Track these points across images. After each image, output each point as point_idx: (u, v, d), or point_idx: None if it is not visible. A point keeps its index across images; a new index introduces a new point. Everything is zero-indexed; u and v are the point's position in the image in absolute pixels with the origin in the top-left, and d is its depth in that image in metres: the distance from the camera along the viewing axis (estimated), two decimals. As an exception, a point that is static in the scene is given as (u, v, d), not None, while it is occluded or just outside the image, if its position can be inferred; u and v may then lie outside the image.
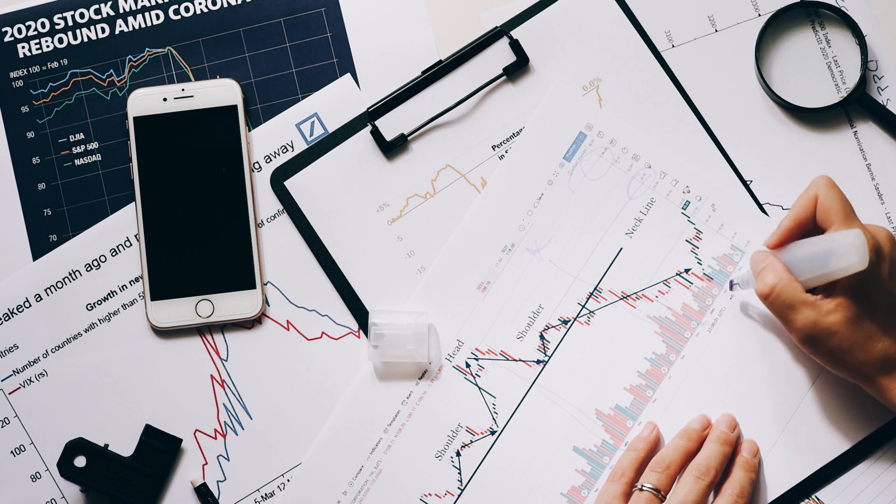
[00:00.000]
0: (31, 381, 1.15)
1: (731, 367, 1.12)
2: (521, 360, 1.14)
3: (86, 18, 1.18)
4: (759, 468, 1.11)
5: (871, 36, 1.16)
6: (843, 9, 1.16)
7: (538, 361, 1.14)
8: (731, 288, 1.12)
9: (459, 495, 1.13)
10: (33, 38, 1.18)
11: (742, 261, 1.14)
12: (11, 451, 1.14)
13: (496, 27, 1.17)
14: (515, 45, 1.16)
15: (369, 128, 1.16)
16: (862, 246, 1.00)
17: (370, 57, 1.18)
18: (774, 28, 1.16)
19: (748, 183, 1.15)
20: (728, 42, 1.17)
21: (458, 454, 1.13)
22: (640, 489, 1.06)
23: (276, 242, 1.16)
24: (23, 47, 1.18)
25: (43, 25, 1.18)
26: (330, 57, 1.18)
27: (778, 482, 1.11)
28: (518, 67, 1.16)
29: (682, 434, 1.10)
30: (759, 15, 1.17)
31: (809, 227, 1.06)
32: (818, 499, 1.12)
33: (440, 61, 1.16)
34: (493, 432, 1.13)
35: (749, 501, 1.07)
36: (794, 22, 1.17)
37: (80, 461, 1.11)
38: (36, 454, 1.14)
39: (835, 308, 1.03)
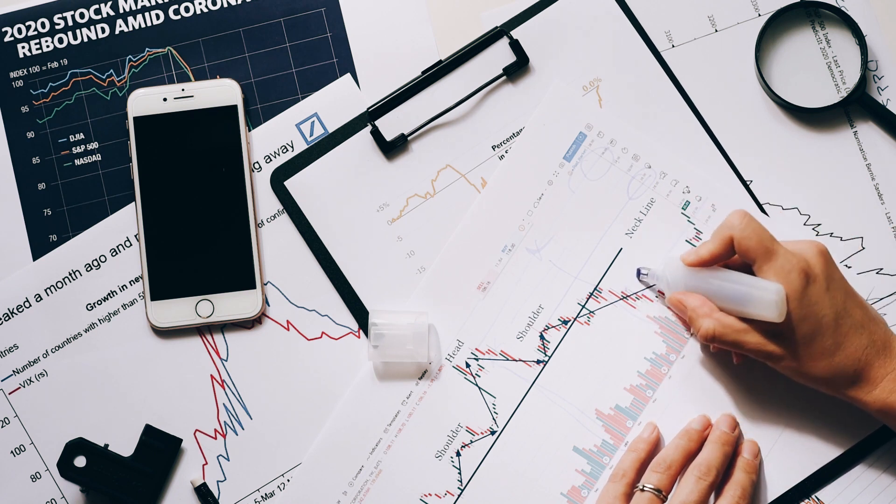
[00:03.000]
0: (31, 381, 1.15)
1: (731, 367, 1.12)
2: (521, 360, 1.14)
3: (86, 18, 1.18)
4: (759, 469, 1.11)
5: (871, 36, 1.16)
6: (843, 9, 1.16)
7: (538, 361, 1.14)
8: (637, 276, 1.13)
9: (459, 495, 1.13)
10: (33, 38, 1.18)
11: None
12: (11, 451, 1.14)
13: (496, 27, 1.17)
14: (515, 45, 1.16)
15: (369, 128, 1.16)
16: (780, 302, 1.02)
17: (370, 57, 1.18)
18: (774, 28, 1.16)
19: (748, 183, 1.15)
20: (728, 42, 1.17)
21: (458, 454, 1.13)
22: (642, 489, 1.06)
23: (276, 242, 1.16)
24: (23, 47, 1.18)
25: (43, 25, 1.18)
26: (330, 57, 1.18)
27: (778, 482, 1.12)
28: (518, 67, 1.16)
29: (683, 434, 1.10)
30: (759, 15, 1.17)
31: (728, 259, 1.08)
32: (818, 499, 1.12)
33: (440, 61, 1.16)
34: (493, 432, 1.13)
35: (750, 502, 1.07)
36: (794, 22, 1.17)
37: (80, 461, 1.11)
38: (36, 454, 1.14)
39: (777, 334, 1.04)
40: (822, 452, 1.12)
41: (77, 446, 1.11)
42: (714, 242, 1.07)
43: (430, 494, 1.13)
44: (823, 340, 1.04)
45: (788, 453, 1.12)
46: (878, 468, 1.12)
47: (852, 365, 1.04)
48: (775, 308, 1.02)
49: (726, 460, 1.08)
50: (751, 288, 1.04)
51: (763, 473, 1.11)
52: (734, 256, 1.08)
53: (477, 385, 1.14)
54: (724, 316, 1.06)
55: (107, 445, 1.13)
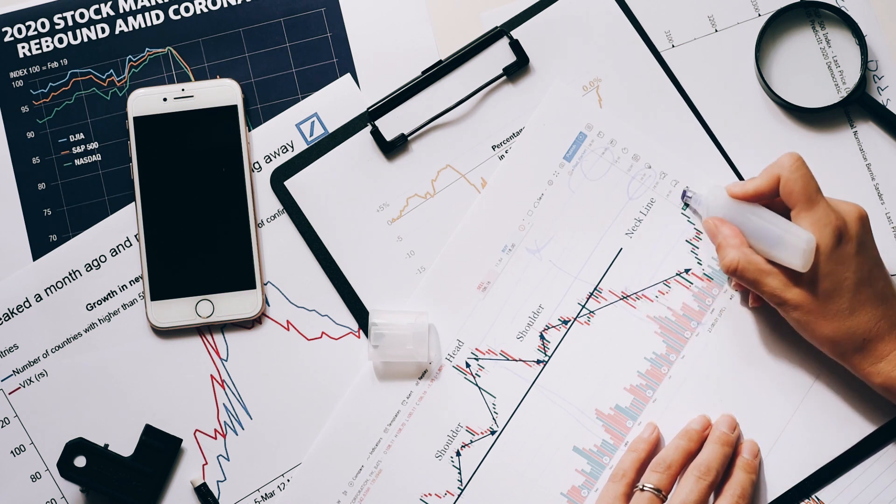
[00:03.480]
0: (31, 381, 1.15)
1: (731, 367, 1.12)
2: (521, 360, 1.14)
3: (86, 18, 1.18)
4: (759, 469, 1.11)
5: (871, 36, 1.16)
6: (843, 9, 1.16)
7: (538, 361, 1.14)
8: (683, 197, 1.13)
9: (459, 495, 1.13)
10: (33, 38, 1.18)
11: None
12: (11, 451, 1.14)
13: (496, 27, 1.17)
14: (515, 45, 1.16)
15: (369, 128, 1.16)
16: (808, 252, 1.02)
17: (370, 57, 1.18)
18: (774, 28, 1.16)
19: (748, 183, 1.15)
20: (728, 42, 1.17)
21: (458, 454, 1.13)
22: (642, 489, 1.06)
23: (276, 242, 1.16)
24: (23, 47, 1.18)
25: (43, 25, 1.18)
26: (330, 57, 1.18)
27: (778, 482, 1.11)
28: (518, 67, 1.16)
29: (683, 434, 1.10)
30: (759, 15, 1.17)
31: (771, 199, 1.08)
32: (818, 499, 1.12)
33: (440, 61, 1.16)
34: (493, 432, 1.13)
35: (750, 502, 1.07)
36: (794, 22, 1.17)
37: (80, 461, 1.11)
38: (36, 454, 1.14)
39: (797, 284, 1.04)
40: (822, 452, 1.12)
41: (77, 446, 1.11)
42: (761, 178, 1.07)
43: (430, 494, 1.13)
44: (840, 301, 1.04)
45: (788, 453, 1.12)
46: (878, 468, 1.12)
47: (862, 333, 1.04)
48: (802, 256, 1.02)
49: (726, 460, 1.08)
50: (784, 232, 1.04)
51: (763, 473, 1.11)
52: (777, 198, 1.07)
53: (477, 385, 1.14)
54: (752, 252, 1.06)
55: (107, 445, 1.13)
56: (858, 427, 1.12)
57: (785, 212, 1.07)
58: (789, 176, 1.05)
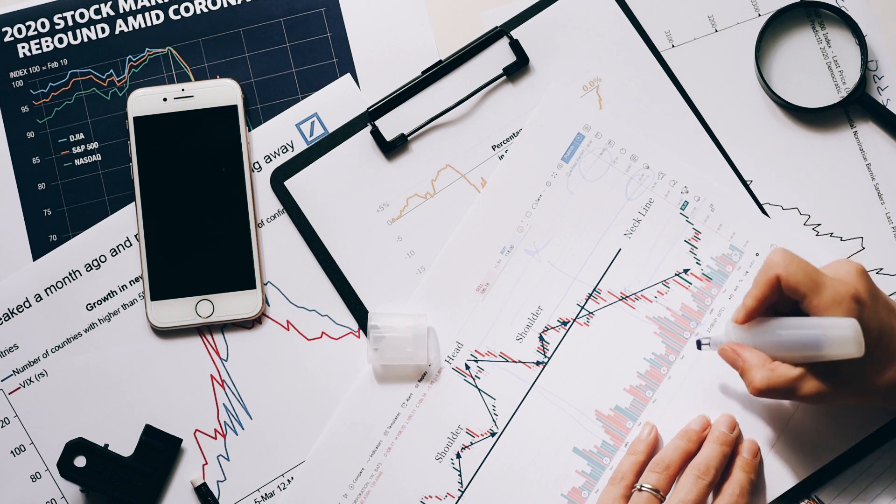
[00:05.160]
0: (31, 381, 1.15)
1: (730, 368, 1.12)
2: (520, 362, 1.14)
3: (86, 18, 1.18)
4: (759, 468, 1.11)
5: (871, 36, 1.16)
6: (843, 9, 1.16)
7: (538, 363, 1.14)
8: (698, 347, 1.09)
9: (460, 497, 1.13)
10: (33, 38, 1.18)
11: (740, 261, 1.13)
12: (11, 451, 1.14)
13: (496, 27, 1.17)
14: (515, 45, 1.16)
15: (369, 128, 1.16)
16: (858, 335, 0.99)
17: (370, 57, 1.18)
18: (774, 28, 1.16)
19: (748, 183, 1.15)
20: (728, 42, 1.17)
21: (459, 456, 1.13)
22: (639, 489, 1.07)
23: (276, 242, 1.16)
24: (23, 47, 1.18)
25: (43, 25, 1.18)
26: (330, 57, 1.18)
27: (778, 482, 1.11)
28: (518, 67, 1.16)
29: (682, 435, 1.10)
30: (759, 15, 1.17)
31: (773, 300, 1.04)
32: (818, 499, 1.12)
33: (440, 61, 1.16)
34: (493, 434, 1.13)
35: (749, 501, 1.08)
36: (794, 22, 1.17)
37: (80, 461, 1.11)
38: (36, 454, 1.14)
39: (831, 371, 1.02)
40: (823, 452, 1.12)
41: (77, 446, 1.11)
42: (758, 287, 1.03)
43: (430, 496, 1.13)
44: (871, 359, 1.01)
45: (788, 453, 1.12)
46: (877, 468, 1.12)
47: None
48: (855, 344, 0.99)
49: (725, 460, 1.08)
50: (823, 330, 1.00)
51: (763, 473, 1.11)
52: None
53: (476, 387, 1.14)
54: (778, 364, 1.03)
55: (107, 445, 1.13)
56: (859, 426, 1.12)
57: (787, 310, 1.05)
58: (787, 270, 1.01)
